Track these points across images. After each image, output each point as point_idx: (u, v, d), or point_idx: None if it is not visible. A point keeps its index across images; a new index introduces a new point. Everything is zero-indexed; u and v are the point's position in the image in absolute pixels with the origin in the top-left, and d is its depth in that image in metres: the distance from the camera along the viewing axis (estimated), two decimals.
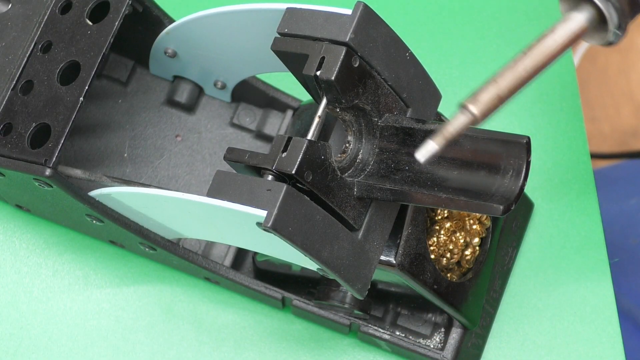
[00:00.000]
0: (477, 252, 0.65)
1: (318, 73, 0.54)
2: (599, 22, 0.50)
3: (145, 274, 0.72)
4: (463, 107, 0.48)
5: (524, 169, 0.53)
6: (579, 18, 0.50)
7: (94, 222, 0.65)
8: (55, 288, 0.71)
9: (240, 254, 0.70)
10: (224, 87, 0.71)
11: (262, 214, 0.52)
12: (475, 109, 0.48)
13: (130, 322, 0.71)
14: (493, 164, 0.53)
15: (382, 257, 0.59)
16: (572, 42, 0.50)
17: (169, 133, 0.72)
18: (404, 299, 0.68)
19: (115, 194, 0.61)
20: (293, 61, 0.57)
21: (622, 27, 0.50)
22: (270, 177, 0.54)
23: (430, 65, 0.60)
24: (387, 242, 0.59)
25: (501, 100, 0.49)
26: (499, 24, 0.78)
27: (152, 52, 0.69)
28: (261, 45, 0.60)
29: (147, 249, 0.68)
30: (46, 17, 0.63)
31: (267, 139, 0.72)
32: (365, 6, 0.55)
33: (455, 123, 0.49)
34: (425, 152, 0.49)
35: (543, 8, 0.78)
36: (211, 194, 0.55)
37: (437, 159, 0.55)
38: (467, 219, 0.64)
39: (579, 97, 0.77)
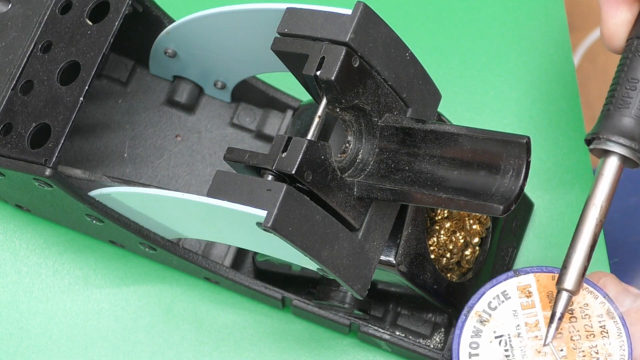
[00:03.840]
0: (477, 252, 0.65)
1: (318, 73, 0.54)
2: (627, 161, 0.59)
3: (145, 274, 0.72)
4: (559, 290, 0.57)
5: (524, 169, 0.53)
6: (615, 163, 0.59)
7: (94, 222, 0.65)
8: (55, 288, 0.71)
9: (240, 254, 0.70)
10: (224, 87, 0.71)
11: (262, 214, 0.52)
12: (570, 286, 0.57)
13: (130, 322, 0.71)
14: (493, 164, 0.53)
15: (382, 257, 0.59)
16: (617, 180, 0.59)
17: (169, 133, 0.72)
18: (404, 299, 0.68)
19: (115, 194, 0.61)
20: (293, 61, 0.57)
21: None
22: (270, 177, 0.54)
23: (430, 65, 0.60)
24: (387, 242, 0.59)
25: (586, 265, 0.57)
26: (499, 24, 0.78)
27: (152, 52, 0.69)
28: (261, 45, 0.60)
29: (147, 249, 0.68)
30: (46, 17, 0.63)
31: (267, 139, 0.72)
32: (365, 6, 0.55)
33: (560, 304, 0.57)
34: (549, 337, 0.57)
35: (543, 8, 0.78)
36: (211, 194, 0.55)
37: (437, 159, 0.55)
38: (467, 219, 0.64)
39: (579, 97, 0.77)
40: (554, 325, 0.57)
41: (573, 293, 0.57)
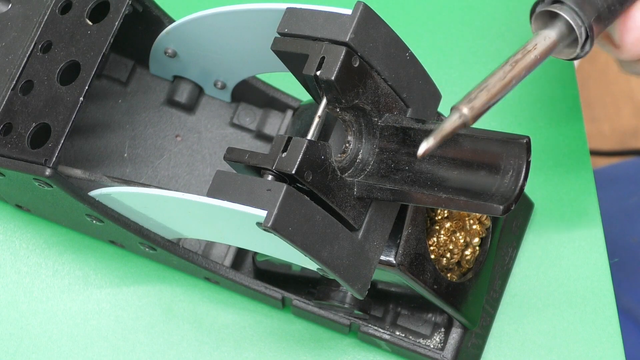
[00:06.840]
0: (477, 252, 0.65)
1: (318, 73, 0.54)
2: (568, 38, 0.57)
3: (145, 274, 0.72)
4: (456, 109, 0.52)
5: (524, 169, 0.53)
6: (552, 34, 0.56)
7: (94, 222, 0.65)
8: (55, 288, 0.71)
9: (240, 254, 0.70)
10: (224, 87, 0.71)
11: (262, 214, 0.52)
12: (467, 111, 0.52)
13: (130, 322, 0.71)
14: (493, 164, 0.53)
15: (382, 257, 0.59)
16: (546, 56, 0.56)
17: (169, 133, 0.72)
18: (404, 299, 0.68)
19: (115, 194, 0.61)
20: (293, 61, 0.57)
21: (589, 41, 0.57)
22: (270, 177, 0.54)
23: (430, 65, 0.60)
24: (387, 242, 0.59)
25: (489, 104, 0.53)
26: (499, 24, 0.78)
27: (152, 52, 0.69)
28: (261, 45, 0.60)
29: (147, 249, 0.68)
30: (46, 17, 0.63)
31: (267, 139, 0.72)
32: (365, 6, 0.55)
33: (449, 123, 0.51)
34: (422, 149, 0.51)
35: None
36: (211, 194, 0.55)
37: (437, 158, 0.55)
38: (467, 219, 0.64)
39: (579, 97, 0.77)
40: (434, 138, 0.51)
41: (468, 121, 0.52)
